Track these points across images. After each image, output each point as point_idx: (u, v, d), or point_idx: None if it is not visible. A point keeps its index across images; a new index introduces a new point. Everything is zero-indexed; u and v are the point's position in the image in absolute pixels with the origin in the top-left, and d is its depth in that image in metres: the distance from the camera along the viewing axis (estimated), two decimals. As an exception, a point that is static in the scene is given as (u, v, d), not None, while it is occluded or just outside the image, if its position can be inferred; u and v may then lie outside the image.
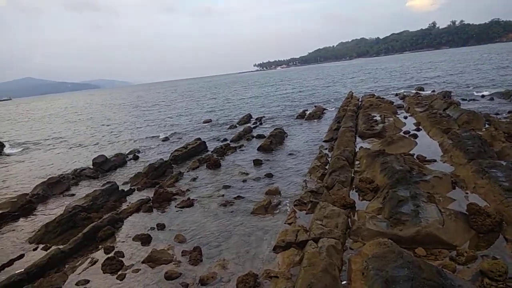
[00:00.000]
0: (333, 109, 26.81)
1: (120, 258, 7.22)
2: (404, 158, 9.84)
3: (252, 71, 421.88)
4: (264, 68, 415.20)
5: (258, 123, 24.59)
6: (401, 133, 14.27)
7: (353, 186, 9.47)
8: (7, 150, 25.07)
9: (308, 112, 25.61)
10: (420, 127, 15.23)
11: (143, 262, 7.04)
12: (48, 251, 7.72)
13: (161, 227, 8.72)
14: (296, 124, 22.35)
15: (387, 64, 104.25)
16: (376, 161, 10.17)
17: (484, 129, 12.91)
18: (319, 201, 8.20)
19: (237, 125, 24.53)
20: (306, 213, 8.28)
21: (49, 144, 26.35)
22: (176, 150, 16.34)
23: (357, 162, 11.43)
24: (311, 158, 13.34)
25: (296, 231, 6.87)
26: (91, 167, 15.58)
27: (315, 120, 22.76)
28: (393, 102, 23.42)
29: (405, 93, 29.49)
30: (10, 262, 7.73)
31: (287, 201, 9.34)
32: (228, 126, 24.60)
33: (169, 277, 6.35)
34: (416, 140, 13.23)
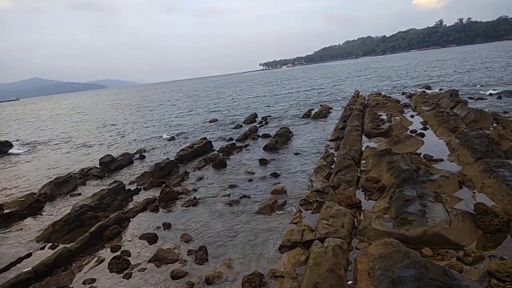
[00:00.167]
0: (339, 108, 26.71)
1: (127, 257, 7.27)
2: (410, 157, 9.77)
3: (257, 71, 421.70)
4: (270, 67, 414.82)
5: (263, 122, 24.59)
6: (408, 132, 14.17)
7: (359, 185, 9.43)
8: (15, 149, 25.32)
9: (314, 111, 25.54)
10: (427, 126, 15.11)
11: (149, 261, 7.08)
12: (56, 250, 7.80)
13: (167, 226, 8.76)
14: (302, 123, 22.30)
15: (394, 63, 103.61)
16: (382, 160, 10.12)
17: (492, 128, 12.78)
18: (325, 200, 8.18)
19: (242, 125, 24.55)
20: (312, 213, 8.27)
21: (56, 144, 26.59)
22: (182, 150, 16.41)
23: (363, 162, 11.37)
24: (317, 157, 13.32)
25: (302, 230, 6.86)
26: (98, 166, 15.69)
27: (321, 119, 22.68)
28: (399, 101, 23.28)
29: (411, 92, 29.27)
30: (18, 261, 7.83)
31: (293, 201, 9.33)
32: (233, 126, 24.63)
33: (175, 276, 6.37)
34: (423, 139, 13.13)
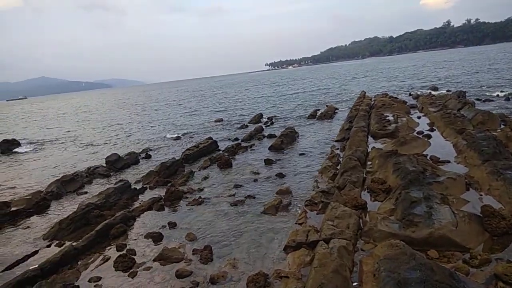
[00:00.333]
0: (345, 108, 26.63)
1: (132, 256, 7.30)
2: (417, 158, 9.71)
3: (263, 71, 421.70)
4: (276, 68, 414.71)
5: (269, 122, 24.58)
6: (414, 133, 14.08)
7: (365, 186, 9.39)
8: (22, 148, 25.55)
9: (319, 112, 25.50)
10: (433, 127, 15.02)
11: (154, 260, 7.10)
12: (62, 247, 7.85)
13: (172, 225, 8.79)
14: (308, 123, 22.26)
15: (401, 63, 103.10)
16: (388, 161, 10.07)
17: (499, 130, 12.66)
18: (330, 201, 8.15)
19: (248, 125, 24.56)
20: (317, 214, 8.25)
21: (63, 143, 26.79)
22: (187, 149, 16.45)
23: (369, 163, 11.33)
24: (322, 158, 13.29)
25: (307, 231, 6.85)
26: (104, 165, 15.79)
27: (327, 120, 22.63)
28: (406, 102, 23.16)
29: (418, 93, 29.12)
30: (25, 258, 7.89)
31: (298, 201, 9.31)
32: (239, 126, 24.65)
33: (180, 275, 6.39)
34: (429, 140, 13.05)
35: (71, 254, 7.45)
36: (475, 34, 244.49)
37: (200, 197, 10.63)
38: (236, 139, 19.54)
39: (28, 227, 9.98)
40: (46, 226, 9.75)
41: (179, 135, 23.52)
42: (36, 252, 8.21)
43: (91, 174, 14.79)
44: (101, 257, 7.56)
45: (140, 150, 19.29)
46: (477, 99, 22.30)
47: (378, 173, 9.98)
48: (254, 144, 17.48)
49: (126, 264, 6.99)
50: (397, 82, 46.05)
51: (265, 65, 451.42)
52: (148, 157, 17.70)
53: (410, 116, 18.21)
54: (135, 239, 8.33)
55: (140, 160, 17.25)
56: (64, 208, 11.26)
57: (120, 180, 12.52)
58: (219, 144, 17.96)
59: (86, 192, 12.76)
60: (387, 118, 16.88)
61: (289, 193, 9.95)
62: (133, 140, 24.37)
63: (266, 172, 12.57)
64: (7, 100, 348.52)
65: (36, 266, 6.96)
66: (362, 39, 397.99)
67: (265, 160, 13.78)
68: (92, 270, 7.03)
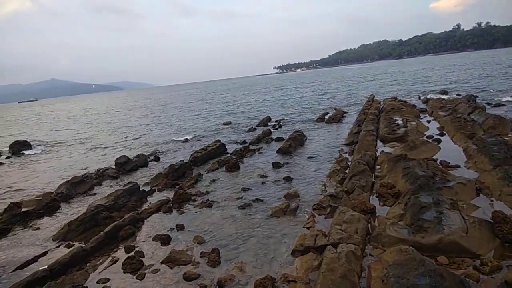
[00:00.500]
0: (354, 112, 26.50)
1: (140, 258, 7.34)
2: (427, 163, 9.63)
3: (271, 74, 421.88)
4: (284, 71, 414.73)
5: (277, 125, 24.54)
6: (424, 138, 13.98)
7: (374, 191, 9.33)
8: (33, 149, 25.86)
9: (328, 115, 25.42)
10: (443, 131, 14.89)
11: (162, 262, 7.13)
12: (71, 249, 7.93)
13: (180, 227, 8.82)
14: (316, 127, 22.21)
15: (410, 67, 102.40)
16: (397, 166, 10.00)
17: (511, 135, 12.52)
18: (338, 205, 8.12)
19: (256, 128, 24.58)
20: (325, 218, 8.21)
21: (72, 145, 27.06)
22: (196, 152, 16.51)
23: (378, 167, 11.27)
24: (330, 162, 13.24)
25: (315, 235, 6.82)
26: (114, 167, 15.92)
27: (335, 124, 22.55)
28: (415, 106, 23.02)
29: (428, 97, 28.87)
30: (35, 259, 7.97)
31: (306, 205, 9.27)
32: (247, 129, 24.68)
33: (187, 278, 6.41)
34: (439, 145, 12.94)
35: (80, 255, 7.52)
36: (486, 37, 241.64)
37: (208, 200, 10.66)
38: (244, 142, 19.56)
39: (38, 228, 10.08)
40: (56, 227, 9.85)
41: (188, 137, 23.62)
42: (45, 253, 8.29)
43: (101, 175, 14.92)
44: (110, 258, 7.60)
45: (149, 153, 19.40)
46: (488, 104, 22.00)
47: (387, 177, 9.91)
48: (262, 147, 17.49)
49: (135, 266, 7.03)
50: (407, 85, 45.73)
51: (274, 68, 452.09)
52: (157, 159, 17.80)
53: (420, 120, 18.08)
54: (144, 241, 8.37)
55: (149, 162, 17.35)
56: (74, 209, 11.36)
57: (129, 182, 12.62)
58: (227, 147, 17.99)
59: (95, 194, 12.87)
60: (396, 122, 16.77)
61: (297, 197, 9.93)
62: (142, 142, 24.52)
63: (274, 175, 12.55)
64: (18, 102, 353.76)
65: (46, 266, 7.04)
66: (371, 42, 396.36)
67: (273, 163, 13.78)
68: (100, 272, 7.07)
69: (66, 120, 55.14)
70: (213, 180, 12.76)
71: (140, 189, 12.16)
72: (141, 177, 14.58)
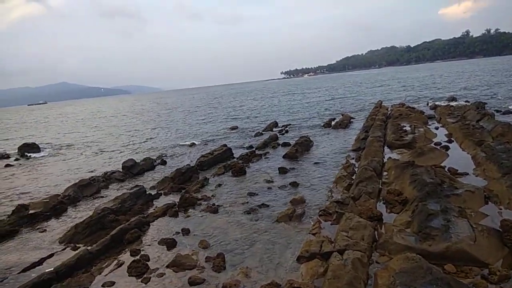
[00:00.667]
0: (361, 118, 26.40)
1: (146, 262, 7.34)
2: (434, 170, 9.56)
3: (279, 79, 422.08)
4: (291, 76, 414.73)
5: (284, 130, 24.54)
6: (432, 144, 13.89)
7: (381, 197, 9.27)
8: (41, 152, 26.09)
9: (335, 121, 25.36)
10: (452, 138, 14.77)
11: (167, 267, 7.12)
12: (77, 251, 7.96)
13: (185, 232, 8.82)
14: (323, 132, 22.16)
15: (418, 73, 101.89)
16: (405, 172, 9.93)
17: (520, 142, 12.36)
18: (345, 212, 8.07)
19: (262, 133, 24.58)
20: (331, 224, 8.16)
21: (80, 148, 27.27)
22: (202, 156, 16.54)
23: (385, 173, 11.20)
24: (337, 167, 13.18)
25: (321, 241, 6.77)
26: (121, 170, 15.99)
27: (342, 129, 22.47)
28: (423, 112, 22.88)
29: (436, 103, 28.70)
30: (41, 261, 8.02)
31: (312, 211, 9.24)
32: (254, 133, 24.71)
33: (192, 282, 6.39)
34: (447, 152, 12.84)
35: (86, 258, 7.54)
36: (495, 44, 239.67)
37: (213, 204, 10.66)
38: (251, 147, 19.57)
39: (45, 230, 10.14)
40: (63, 229, 9.89)
41: (194, 142, 23.69)
42: (52, 255, 8.33)
43: (108, 179, 14.99)
44: (115, 262, 7.61)
45: (156, 156, 19.48)
46: (497, 111, 21.79)
47: (394, 184, 9.84)
48: (268, 152, 17.47)
49: (140, 269, 7.03)
50: (415, 92, 45.49)
51: (281, 73, 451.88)
52: (163, 163, 17.87)
53: (428, 126, 17.96)
54: (149, 245, 8.38)
55: (156, 166, 17.43)
56: (81, 212, 11.42)
57: (136, 186, 12.68)
58: (233, 151, 18.00)
59: (102, 197, 12.93)
60: (404, 128, 16.69)
61: (303, 203, 9.88)
62: (148, 146, 24.64)
63: (280, 180, 12.53)
64: (28, 105, 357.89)
65: (52, 269, 7.07)
66: (379, 48, 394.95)
67: (279, 168, 13.75)
68: (106, 275, 7.09)
69: (74, 123, 55.67)
70: (219, 185, 12.76)
71: (147, 192, 12.20)
72: (148, 181, 14.63)
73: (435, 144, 14.03)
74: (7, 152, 27.25)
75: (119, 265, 7.44)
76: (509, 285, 5.14)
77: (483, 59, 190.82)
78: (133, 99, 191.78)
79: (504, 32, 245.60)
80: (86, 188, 13.35)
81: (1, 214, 11.68)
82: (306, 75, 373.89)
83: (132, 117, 56.16)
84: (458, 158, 12.05)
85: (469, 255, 5.82)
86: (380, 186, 10.04)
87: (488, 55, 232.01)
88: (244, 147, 19.89)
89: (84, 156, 23.07)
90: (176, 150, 21.55)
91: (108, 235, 8.52)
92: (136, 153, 22.16)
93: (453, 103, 27.42)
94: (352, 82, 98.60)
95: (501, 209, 7.65)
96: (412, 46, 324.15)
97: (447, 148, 13.31)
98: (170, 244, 8.18)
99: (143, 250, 8.07)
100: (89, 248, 7.99)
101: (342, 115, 28.29)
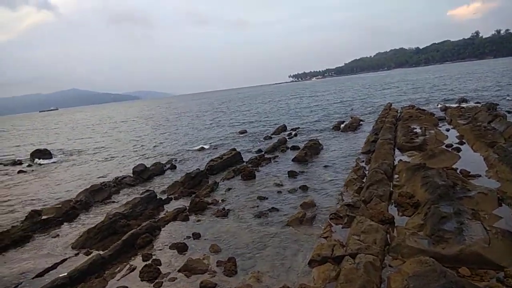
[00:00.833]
0: (371, 120, 26.22)
1: (157, 266, 7.38)
2: (446, 172, 9.45)
3: (287, 82, 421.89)
4: (299, 79, 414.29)
5: (293, 134, 24.52)
6: (443, 146, 13.74)
7: (392, 200, 9.19)
8: (53, 158, 26.41)
9: (344, 124, 25.24)
10: (463, 140, 14.60)
11: (179, 271, 7.15)
12: (89, 256, 8.03)
13: (196, 236, 8.84)
14: (332, 135, 22.09)
15: (427, 75, 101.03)
16: (416, 175, 9.84)
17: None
18: (356, 215, 8.01)
19: (272, 136, 24.59)
20: (342, 227, 8.11)
21: (91, 153, 27.55)
22: (212, 160, 16.59)
23: (396, 176, 11.10)
24: (347, 170, 13.11)
25: (332, 245, 6.74)
26: (131, 175, 16.13)
27: (352, 132, 22.37)
28: (434, 114, 22.66)
29: (446, 105, 28.41)
30: (54, 266, 8.10)
31: (323, 215, 9.19)
32: (263, 137, 24.73)
33: (204, 287, 6.40)
34: (459, 153, 12.69)
35: (98, 263, 7.61)
36: (505, 45, 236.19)
37: (224, 208, 10.68)
38: (260, 150, 19.58)
39: (58, 235, 10.26)
40: (75, 234, 9.98)
41: (204, 146, 23.78)
42: (64, 260, 8.42)
43: (119, 184, 15.12)
44: (128, 266, 7.66)
45: (166, 161, 19.59)
46: (509, 112, 21.47)
47: (406, 186, 9.75)
48: (277, 156, 17.47)
49: (152, 274, 7.06)
50: (424, 93, 45.08)
51: (289, 76, 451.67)
52: (173, 167, 17.97)
53: (439, 128, 17.79)
54: (161, 249, 8.42)
55: (166, 170, 17.54)
56: (92, 217, 11.53)
57: (146, 190, 12.77)
58: (243, 155, 18.03)
59: (113, 202, 13.05)
60: (415, 130, 16.56)
61: (313, 206, 9.84)
62: (158, 151, 24.81)
63: (289, 184, 12.51)
64: (39, 111, 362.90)
65: (65, 274, 7.15)
66: (388, 50, 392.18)
67: (288, 172, 13.73)
68: (118, 280, 7.13)
69: (85, 129, 56.30)
70: (229, 189, 12.78)
71: (157, 197, 12.27)
72: (158, 185, 14.73)
73: (446, 146, 13.88)
74: (20, 158, 27.68)
75: (131, 270, 7.49)
76: (525, 288, 5.05)
77: (493, 60, 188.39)
78: (142, 105, 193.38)
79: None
80: (97, 194, 13.48)
81: (14, 220, 11.87)
82: (314, 78, 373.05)
83: (142, 122, 56.65)
84: (470, 159, 11.91)
85: (483, 258, 5.74)
86: (391, 189, 9.95)
87: (498, 56, 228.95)
88: (253, 151, 19.90)
89: (94, 162, 23.31)
90: (186, 155, 21.67)
91: (120, 240, 8.58)
92: (146, 158, 22.31)
93: (464, 105, 27.11)
94: (361, 84, 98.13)
95: (515, 211, 7.52)
96: (421, 47, 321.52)
97: (458, 149, 13.16)
98: (181, 248, 8.22)
99: (154, 255, 8.11)
100: (101, 253, 8.06)
101: (351, 117, 28.17)
